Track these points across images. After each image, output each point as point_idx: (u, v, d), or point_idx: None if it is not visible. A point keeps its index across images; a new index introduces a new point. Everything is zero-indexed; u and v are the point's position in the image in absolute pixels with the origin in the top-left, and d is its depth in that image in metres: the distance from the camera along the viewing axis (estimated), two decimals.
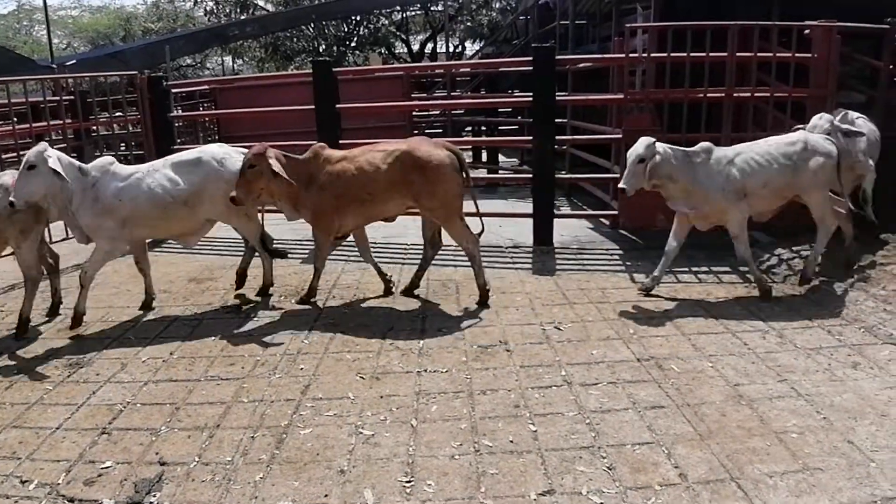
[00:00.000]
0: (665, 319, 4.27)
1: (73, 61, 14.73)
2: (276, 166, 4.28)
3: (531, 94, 5.99)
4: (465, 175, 4.57)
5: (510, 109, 11.05)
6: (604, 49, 9.00)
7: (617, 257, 5.76)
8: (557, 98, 6.15)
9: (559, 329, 4.15)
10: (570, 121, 8.11)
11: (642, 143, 4.34)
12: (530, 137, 6.20)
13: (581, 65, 7.56)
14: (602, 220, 6.82)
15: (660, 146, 4.37)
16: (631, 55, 5.91)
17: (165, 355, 4.03)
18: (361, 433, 3.04)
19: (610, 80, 7.19)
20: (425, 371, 3.63)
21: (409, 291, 4.89)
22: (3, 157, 6.89)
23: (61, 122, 7.26)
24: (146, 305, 4.83)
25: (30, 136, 7.13)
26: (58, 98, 7.62)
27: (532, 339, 4.00)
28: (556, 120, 6.38)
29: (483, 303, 4.62)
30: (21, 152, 6.92)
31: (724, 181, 4.43)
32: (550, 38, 10.95)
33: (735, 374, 3.49)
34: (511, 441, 2.92)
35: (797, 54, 5.60)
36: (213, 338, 4.26)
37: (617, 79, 6.77)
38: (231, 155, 4.63)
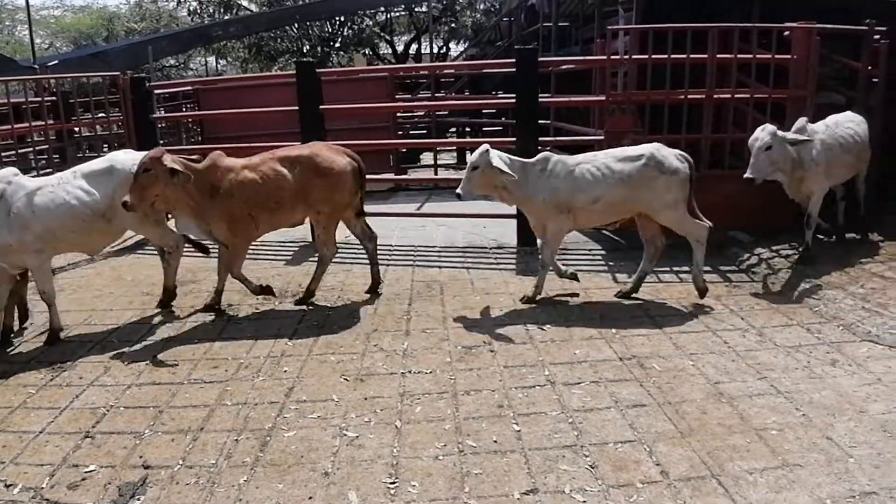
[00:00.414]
0: (646, 319, 4.32)
1: (56, 62, 14.55)
2: (176, 167, 4.14)
3: (515, 95, 6.02)
4: (362, 181, 4.74)
5: (494, 111, 11.09)
6: (586, 51, 9.06)
7: (599, 258, 5.80)
8: (540, 99, 6.18)
9: (542, 329, 4.18)
10: (554, 122, 8.16)
11: (478, 151, 4.37)
12: (514, 139, 6.23)
13: (564, 66, 7.60)
14: None
15: (495, 155, 4.33)
16: (613, 57, 5.96)
17: (148, 358, 4.00)
18: (346, 435, 3.04)
19: (593, 82, 7.24)
20: (410, 372, 3.64)
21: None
22: None
23: (43, 123, 7.19)
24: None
25: (11, 137, 7.05)
26: (40, 99, 7.55)
27: (516, 340, 4.03)
28: (540, 121, 6.41)
29: (304, 301, 4.75)
30: (1, 154, 6.88)
31: (548, 194, 4.38)
32: (534, 39, 11.00)
33: (715, 373, 3.53)
34: (495, 441, 2.94)
35: (777, 56, 5.67)
36: (196, 341, 4.24)
37: (599, 81, 6.82)
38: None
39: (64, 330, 4.41)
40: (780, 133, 4.70)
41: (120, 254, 6.54)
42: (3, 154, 6.86)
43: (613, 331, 4.12)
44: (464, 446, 2.90)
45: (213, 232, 4.50)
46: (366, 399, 3.36)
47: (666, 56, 5.58)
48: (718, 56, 5.62)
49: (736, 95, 5.79)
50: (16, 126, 6.90)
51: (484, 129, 11.11)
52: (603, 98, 6.01)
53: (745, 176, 4.67)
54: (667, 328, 4.14)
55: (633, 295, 4.72)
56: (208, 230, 4.50)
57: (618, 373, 3.56)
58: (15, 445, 3.12)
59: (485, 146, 4.40)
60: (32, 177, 4.76)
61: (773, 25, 5.68)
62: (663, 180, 4.35)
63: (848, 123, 5.24)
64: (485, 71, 11.13)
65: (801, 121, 4.95)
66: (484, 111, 11.20)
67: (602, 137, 5.87)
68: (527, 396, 3.34)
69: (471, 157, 4.43)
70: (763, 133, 4.69)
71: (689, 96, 5.72)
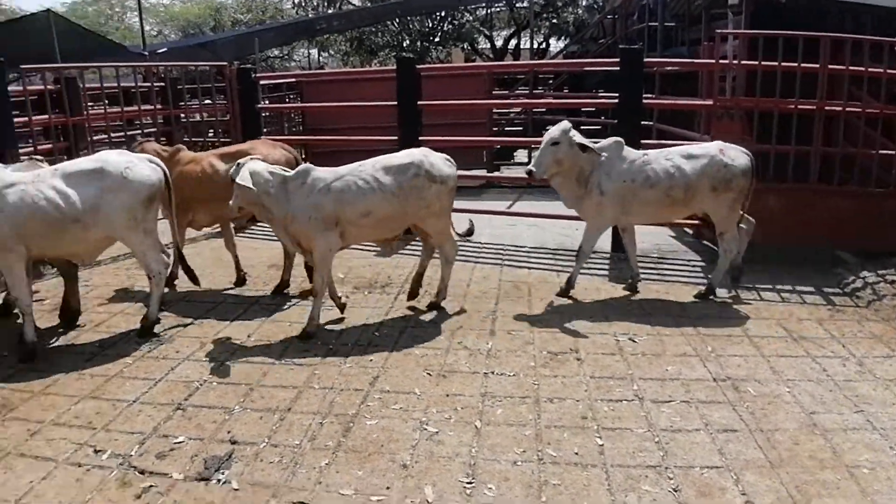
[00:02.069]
0: (744, 339, 4.10)
1: (165, 49, 15.40)
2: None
3: (617, 95, 5.87)
4: None
5: (593, 109, 10.84)
6: (692, 53, 8.70)
7: (699, 269, 5.55)
8: (644, 101, 6.00)
9: (633, 341, 4.05)
10: (656, 124, 7.88)
11: (240, 162, 4.06)
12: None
13: (669, 68, 7.32)
14: (685, 229, 6.60)
15: (258, 168, 3.98)
16: (721, 61, 5.69)
17: (243, 337, 4.19)
18: (426, 429, 3.06)
19: (699, 85, 6.94)
20: (492, 373, 3.62)
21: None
22: (95, 138, 7.29)
23: (152, 107, 7.66)
24: None
25: (121, 119, 7.56)
26: (149, 84, 8.05)
27: (604, 350, 3.92)
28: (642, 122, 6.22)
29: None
30: (112, 134, 7.40)
31: (312, 210, 3.99)
32: (639, 38, 10.66)
33: (811, 402, 3.31)
34: (576, 453, 2.88)
35: (889, 70, 5.26)
36: (289, 323, 4.39)
37: (706, 84, 6.53)
38: (135, 163, 4.10)
39: (38, 346, 4.00)
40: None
41: (221, 235, 6.86)
42: (112, 134, 7.37)
43: (709, 349, 3.94)
44: (543, 455, 2.86)
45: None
46: (447, 396, 3.38)
47: (776, 63, 5.28)
48: (830, 66, 5.27)
49: (847, 109, 5.41)
50: (125, 109, 7.39)
51: (582, 127, 10.88)
52: (710, 102, 5.75)
53: None
54: (765, 350, 3.92)
55: (735, 307, 4.53)
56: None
57: (710, 394, 3.40)
58: (108, 413, 3.31)
59: (248, 157, 4.18)
60: None
61: (887, 39, 5.26)
62: (434, 189, 4.22)
63: None
64: (586, 69, 10.92)
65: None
66: (583, 110, 10.97)
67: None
68: (612, 410, 3.24)
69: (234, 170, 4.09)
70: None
71: (800, 106, 5.39)
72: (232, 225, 5.41)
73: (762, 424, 3.09)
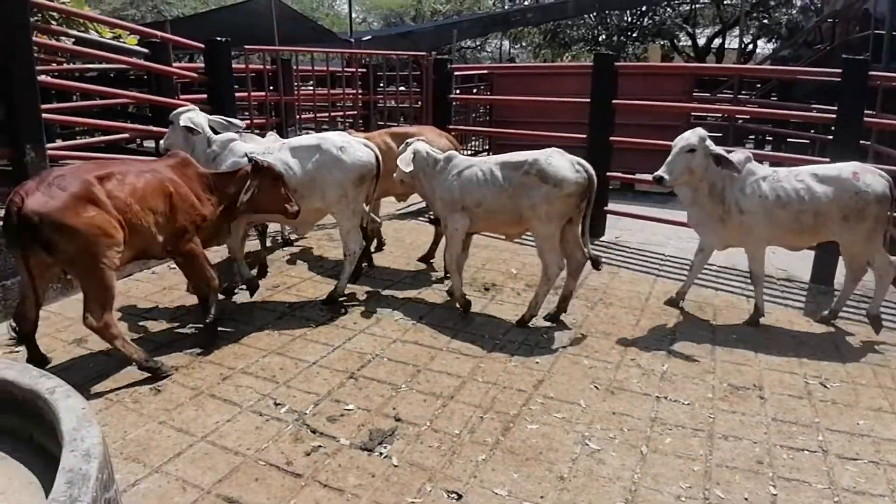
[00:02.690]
0: None
1: (369, 37, 16.36)
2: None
3: (832, 108, 5.26)
4: None
5: (800, 121, 9.78)
6: None
7: None
8: (866, 119, 5.28)
9: (824, 386, 3.60)
10: (874, 145, 6.92)
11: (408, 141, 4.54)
12: (826, 160, 5.41)
13: None
14: None
15: (420, 148, 4.40)
16: None
17: (416, 318, 4.33)
18: (587, 445, 2.95)
19: None
20: (665, 398, 3.40)
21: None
22: (302, 117, 7.91)
23: (354, 91, 8.16)
24: None
25: (326, 100, 8.14)
26: (352, 70, 8.58)
27: (791, 391, 3.52)
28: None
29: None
30: (318, 114, 7.99)
31: (445, 192, 4.28)
32: (862, 47, 9.44)
33: None
34: (745, 498, 2.61)
35: None
36: (458, 311, 4.46)
37: None
38: (351, 144, 4.42)
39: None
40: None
41: (403, 217, 7.18)
42: (318, 114, 7.96)
43: None
44: (710, 494, 2.63)
45: None
46: (614, 413, 3.22)
47: None
48: None
49: None
50: (331, 91, 7.94)
51: (788, 140, 9.87)
52: None
53: None
54: None
55: None
56: None
57: None
58: (290, 370, 3.60)
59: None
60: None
61: None
62: (542, 191, 4.00)
63: None
64: (798, 77, 9.86)
65: None
66: (791, 121, 9.96)
67: None
68: (792, 459, 2.90)
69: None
70: None
71: None
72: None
73: None
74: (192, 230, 3.77)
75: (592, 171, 4.10)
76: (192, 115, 4.52)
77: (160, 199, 3.57)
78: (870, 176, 4.05)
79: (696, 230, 4.49)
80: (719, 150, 4.09)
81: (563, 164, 4.03)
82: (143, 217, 3.46)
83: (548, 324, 4.30)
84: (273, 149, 4.39)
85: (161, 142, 4.95)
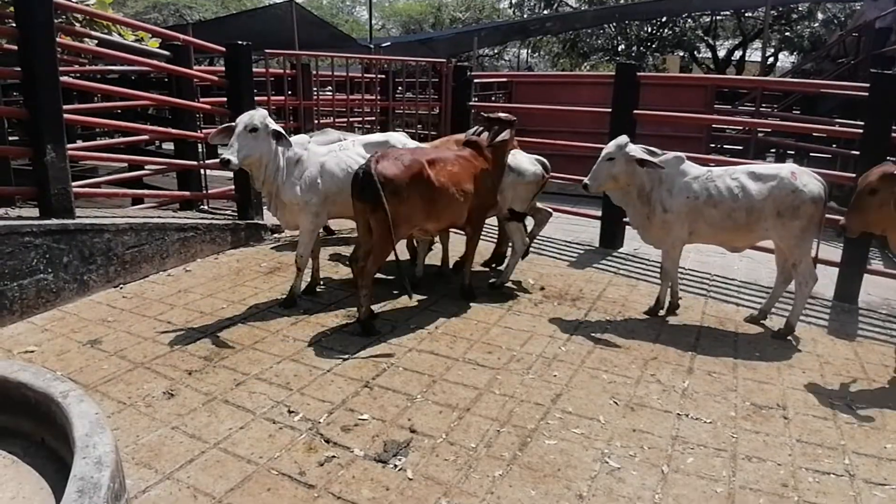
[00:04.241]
0: None
1: (388, 44, 16.44)
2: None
3: (857, 123, 5.18)
4: None
5: (824, 135, 9.65)
6: None
7: None
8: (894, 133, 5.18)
9: (851, 408, 3.50)
10: None
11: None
12: (852, 175, 5.31)
13: None
14: None
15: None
16: None
17: (431, 328, 4.27)
18: (607, 462, 2.87)
19: None
20: (687, 416, 3.31)
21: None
22: (321, 121, 7.91)
23: (372, 97, 8.15)
24: None
25: (345, 106, 8.14)
26: (372, 76, 8.57)
27: (816, 412, 3.42)
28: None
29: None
30: (336, 119, 7.98)
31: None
32: (889, 61, 9.29)
33: None
34: None
35: None
36: (475, 321, 4.41)
37: None
38: (408, 143, 5.02)
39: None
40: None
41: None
42: (336, 119, 7.94)
43: None
44: None
45: None
46: (634, 431, 3.14)
47: None
48: None
49: None
50: (350, 97, 7.93)
51: (811, 154, 9.75)
52: None
53: None
54: None
55: None
56: None
57: None
58: (305, 377, 3.55)
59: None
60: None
61: None
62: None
63: None
64: (823, 90, 9.74)
65: None
66: (814, 135, 9.83)
67: None
68: (817, 482, 2.81)
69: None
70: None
71: None
72: None
73: None
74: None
75: None
76: (271, 120, 4.30)
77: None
78: (807, 177, 4.15)
79: (634, 229, 4.64)
80: (640, 152, 4.22)
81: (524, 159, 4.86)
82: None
83: (566, 335, 4.23)
84: (346, 144, 4.77)
85: (228, 153, 4.04)
